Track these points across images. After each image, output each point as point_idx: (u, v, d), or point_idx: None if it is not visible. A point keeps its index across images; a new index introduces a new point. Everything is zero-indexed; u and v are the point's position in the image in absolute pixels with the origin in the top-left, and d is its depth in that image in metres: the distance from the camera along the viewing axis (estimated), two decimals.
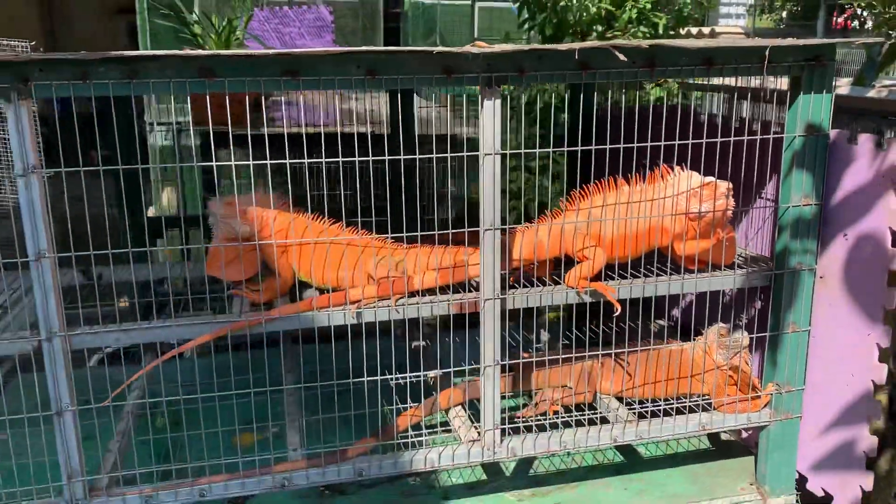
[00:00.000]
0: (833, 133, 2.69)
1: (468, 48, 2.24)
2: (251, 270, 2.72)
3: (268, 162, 2.28)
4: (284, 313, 2.46)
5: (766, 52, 2.45)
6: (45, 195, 2.17)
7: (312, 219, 2.73)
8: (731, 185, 2.73)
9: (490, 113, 2.38)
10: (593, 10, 6.16)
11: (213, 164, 2.32)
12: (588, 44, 2.32)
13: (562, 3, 6.10)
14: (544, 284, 2.72)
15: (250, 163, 2.38)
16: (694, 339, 3.07)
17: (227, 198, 2.66)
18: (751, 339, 2.91)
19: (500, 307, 2.56)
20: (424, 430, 2.78)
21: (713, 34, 12.59)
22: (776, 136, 2.73)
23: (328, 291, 2.66)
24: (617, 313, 2.60)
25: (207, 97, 2.24)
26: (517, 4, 6.82)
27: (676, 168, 2.75)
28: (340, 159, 2.34)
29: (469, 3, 11.53)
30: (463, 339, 2.81)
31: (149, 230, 3.94)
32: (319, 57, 2.23)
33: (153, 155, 7.79)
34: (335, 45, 10.39)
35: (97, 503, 2.40)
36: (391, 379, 2.87)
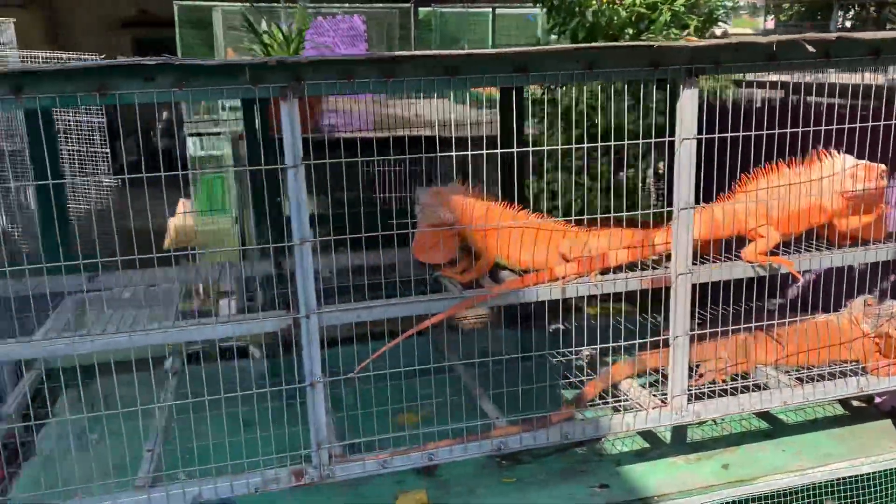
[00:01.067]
0: None
1: (681, 42, 2.48)
2: (451, 254, 2.94)
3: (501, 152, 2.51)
4: (510, 288, 2.69)
5: None
6: (306, 186, 2.39)
7: (505, 206, 2.96)
8: (884, 167, 2.98)
9: (689, 101, 2.62)
10: (623, 14, 6.41)
11: (437, 154, 2.54)
12: (783, 37, 2.57)
13: (592, 8, 6.34)
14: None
15: (469, 153, 2.60)
16: (839, 311, 3.32)
17: (433, 188, 2.88)
18: None
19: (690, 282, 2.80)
20: (618, 398, 3.01)
21: (725, 35, 12.90)
22: None
23: (521, 272, 2.90)
24: (799, 283, 2.84)
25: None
26: (544, 10, 7.07)
27: (833, 152, 2.99)
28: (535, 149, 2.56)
29: (489, 10, 11.77)
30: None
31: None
32: (548, 54, 2.47)
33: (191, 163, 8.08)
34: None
35: (340, 469, 2.60)
36: (566, 354, 3.13)
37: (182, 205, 9.97)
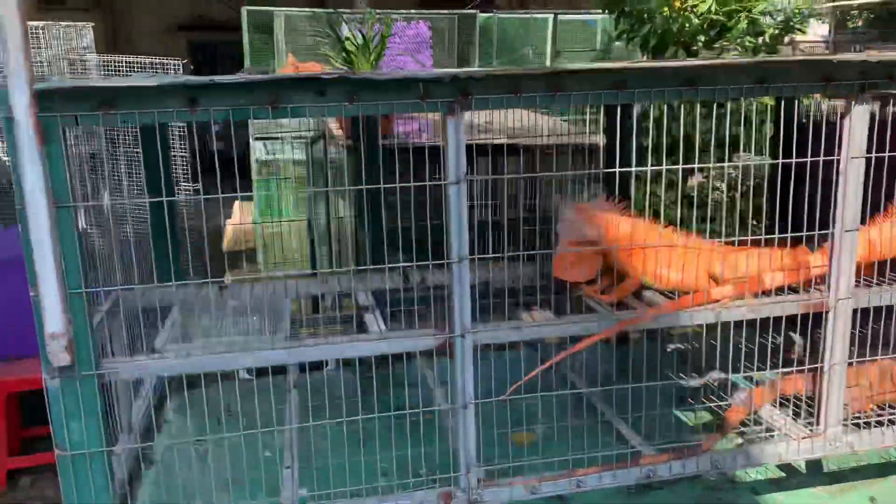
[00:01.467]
0: None
1: (864, 56, 2.36)
2: (594, 273, 2.85)
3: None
4: (664, 311, 2.59)
5: None
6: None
7: (651, 223, 2.85)
8: None
9: (860, 118, 2.49)
10: (696, 21, 6.23)
11: (603, 170, 2.45)
12: None
13: (664, 14, 6.16)
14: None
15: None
16: None
17: (577, 203, 2.79)
18: None
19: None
20: (761, 426, 2.88)
21: (792, 43, 12.59)
22: None
23: (669, 294, 2.79)
24: None
25: None
26: (612, 16, 6.91)
27: None
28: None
29: (549, 15, 11.65)
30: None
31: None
32: (716, 68, 2.36)
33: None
34: (432, 60, 10.61)
35: (489, 493, 2.52)
36: (703, 379, 3.01)
37: (238, 207, 10.04)
